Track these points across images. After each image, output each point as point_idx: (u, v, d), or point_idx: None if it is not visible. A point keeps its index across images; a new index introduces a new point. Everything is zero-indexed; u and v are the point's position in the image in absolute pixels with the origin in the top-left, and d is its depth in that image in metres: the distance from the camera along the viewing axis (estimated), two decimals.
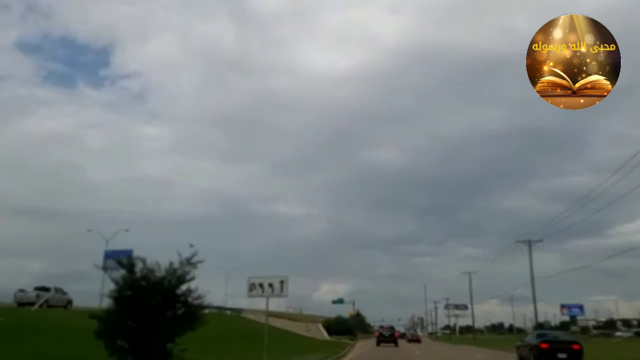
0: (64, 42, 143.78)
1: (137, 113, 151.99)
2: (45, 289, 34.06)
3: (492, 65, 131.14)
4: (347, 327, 62.59)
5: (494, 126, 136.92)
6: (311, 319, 63.66)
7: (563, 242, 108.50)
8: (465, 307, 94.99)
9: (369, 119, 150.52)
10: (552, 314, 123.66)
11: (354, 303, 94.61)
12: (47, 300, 33.13)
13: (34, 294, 32.68)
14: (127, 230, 48.31)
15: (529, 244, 50.22)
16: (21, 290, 32.93)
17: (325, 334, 53.59)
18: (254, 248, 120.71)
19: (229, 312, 58.62)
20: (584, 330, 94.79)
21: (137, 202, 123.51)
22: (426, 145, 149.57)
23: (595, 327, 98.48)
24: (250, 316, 54.42)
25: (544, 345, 19.64)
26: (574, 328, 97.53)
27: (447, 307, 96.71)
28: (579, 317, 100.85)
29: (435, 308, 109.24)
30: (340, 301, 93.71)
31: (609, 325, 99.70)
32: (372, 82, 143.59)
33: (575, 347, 19.70)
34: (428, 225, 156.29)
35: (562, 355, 19.08)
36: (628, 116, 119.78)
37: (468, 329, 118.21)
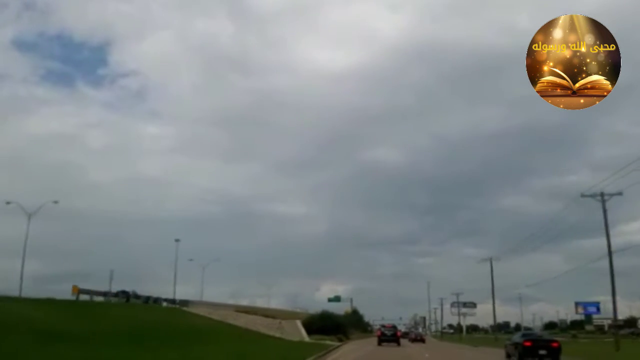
0: (61, 40, 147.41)
1: (137, 112, 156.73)
2: (125, 293, 52.34)
3: (492, 63, 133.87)
4: (336, 325, 54.32)
5: (495, 125, 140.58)
6: (291, 315, 55.76)
7: (565, 241, 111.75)
8: (473, 305, 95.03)
9: (369, 118, 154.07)
10: (555, 312, 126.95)
11: (351, 300, 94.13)
12: (128, 300, 51.00)
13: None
14: (55, 202, 46.02)
15: (602, 198, 36.31)
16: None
17: (303, 333, 45.39)
18: (254, 247, 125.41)
19: (164, 304, 56.22)
20: (601, 329, 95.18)
21: (137, 201, 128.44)
22: (427, 144, 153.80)
23: (612, 326, 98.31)
24: (198, 310, 51.07)
25: (527, 343, 23.21)
26: (588, 327, 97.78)
27: (454, 304, 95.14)
28: (595, 317, 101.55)
29: (442, 304, 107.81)
30: (337, 299, 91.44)
31: (630, 324, 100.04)
32: (372, 80, 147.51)
33: (554, 345, 23.09)
34: (429, 225, 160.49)
35: (542, 352, 22.64)
36: (628, 115, 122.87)
37: (474, 329, 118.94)
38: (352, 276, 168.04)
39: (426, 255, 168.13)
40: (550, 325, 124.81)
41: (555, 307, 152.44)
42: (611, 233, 35.42)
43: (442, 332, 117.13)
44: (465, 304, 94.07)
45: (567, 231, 43.72)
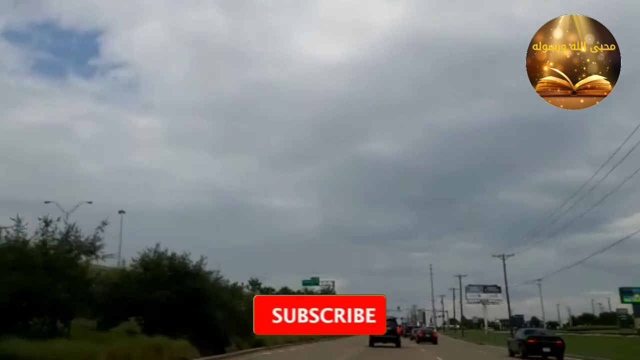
0: (51, 30, 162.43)
1: (129, 103, 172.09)
2: None
3: (489, 54, 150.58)
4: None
5: (491, 118, 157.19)
6: None
7: (560, 236, 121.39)
8: (496, 290, 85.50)
9: (364, 110, 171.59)
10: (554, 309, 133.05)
11: (333, 283, 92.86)
12: None
13: None
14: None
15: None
16: None
17: None
18: (246, 242, 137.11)
19: None
20: None
21: (128, 193, 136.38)
22: (422, 137, 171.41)
23: None
24: None
25: (532, 341, 27.50)
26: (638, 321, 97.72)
27: (471, 289, 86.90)
28: None
29: (460, 283, 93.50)
30: (314, 281, 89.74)
31: None
32: (367, 71, 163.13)
33: (558, 342, 27.02)
34: (424, 219, 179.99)
35: (546, 349, 26.79)
36: (628, 108, 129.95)
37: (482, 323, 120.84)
38: (346, 270, 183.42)
39: (422, 249, 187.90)
40: (584, 319, 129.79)
41: (551, 303, 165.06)
42: (607, 228, 40.56)
43: (461, 328, 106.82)
44: (485, 288, 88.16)
45: (564, 226, 48.06)
